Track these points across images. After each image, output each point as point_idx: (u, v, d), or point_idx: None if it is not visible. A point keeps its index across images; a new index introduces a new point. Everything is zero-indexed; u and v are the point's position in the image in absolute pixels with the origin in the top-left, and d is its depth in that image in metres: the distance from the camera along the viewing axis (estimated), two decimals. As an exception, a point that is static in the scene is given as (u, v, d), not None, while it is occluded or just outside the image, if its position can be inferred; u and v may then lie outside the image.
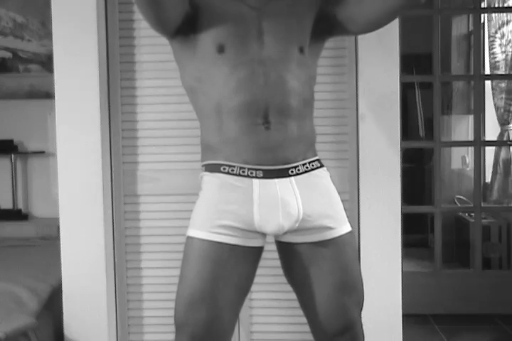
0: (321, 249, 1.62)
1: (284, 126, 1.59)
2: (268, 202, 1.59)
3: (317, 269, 1.63)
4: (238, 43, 1.59)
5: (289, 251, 1.67)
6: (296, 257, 1.65)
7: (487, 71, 4.38)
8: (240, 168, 1.60)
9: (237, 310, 1.66)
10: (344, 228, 1.65)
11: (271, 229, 1.61)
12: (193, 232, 1.63)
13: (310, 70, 1.69)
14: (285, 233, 1.64)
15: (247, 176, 1.60)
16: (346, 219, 1.69)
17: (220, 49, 1.58)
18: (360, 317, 1.68)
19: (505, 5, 4.22)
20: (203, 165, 1.69)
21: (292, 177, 1.62)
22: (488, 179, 4.51)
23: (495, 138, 4.40)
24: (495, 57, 4.29)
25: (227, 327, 1.63)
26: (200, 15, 1.61)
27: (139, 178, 2.47)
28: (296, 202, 1.61)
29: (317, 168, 1.68)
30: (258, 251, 1.65)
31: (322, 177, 1.68)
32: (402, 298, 2.42)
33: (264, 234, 1.63)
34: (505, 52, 4.24)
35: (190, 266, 1.61)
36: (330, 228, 1.63)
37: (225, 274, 1.59)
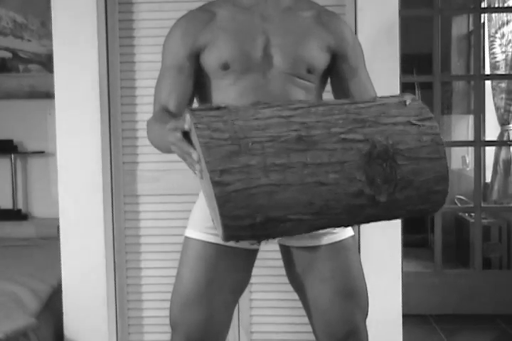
0: (322, 253, 1.61)
1: None
2: None
3: (318, 274, 1.61)
4: (243, 59, 1.57)
5: (289, 255, 1.66)
6: (297, 261, 1.64)
7: (487, 71, 4.38)
8: None
9: (231, 310, 1.66)
10: (345, 232, 1.63)
11: None
12: (189, 232, 1.64)
13: (318, 88, 1.68)
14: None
15: None
16: None
17: (225, 67, 1.57)
18: (365, 323, 1.66)
19: (506, 5, 4.22)
20: None
21: None
22: (488, 179, 4.51)
23: (495, 138, 4.40)
24: (495, 57, 4.29)
25: (222, 327, 1.64)
26: (205, 44, 1.60)
27: (139, 178, 2.47)
28: None
29: None
30: (253, 253, 1.64)
31: None
32: (402, 298, 2.42)
33: None
34: (505, 52, 4.24)
35: (185, 266, 1.62)
36: (330, 233, 1.60)
37: (218, 275, 1.59)
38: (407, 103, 1.33)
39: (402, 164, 1.25)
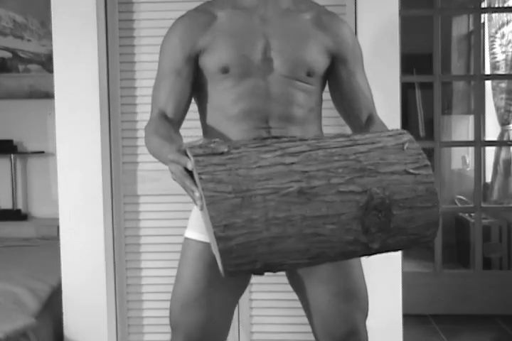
0: None
1: (286, 131, 1.58)
2: None
3: (318, 275, 1.61)
4: (243, 63, 1.57)
5: None
6: None
7: (487, 71, 4.38)
8: None
9: (231, 311, 1.66)
10: None
11: None
12: (189, 233, 1.64)
13: (318, 90, 1.68)
14: None
15: None
16: None
17: (225, 70, 1.57)
18: (365, 324, 1.66)
19: (506, 5, 4.22)
20: None
21: None
22: (488, 179, 4.51)
23: (495, 138, 4.40)
24: (495, 57, 4.29)
25: (222, 328, 1.64)
26: (204, 47, 1.60)
27: (139, 178, 2.47)
28: None
29: None
30: None
31: None
32: (403, 298, 2.42)
33: None
34: (505, 52, 4.24)
35: (185, 267, 1.62)
36: None
37: (218, 276, 1.58)
38: (405, 147, 1.35)
39: (396, 213, 1.29)
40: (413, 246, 1.37)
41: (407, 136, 1.37)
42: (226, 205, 1.22)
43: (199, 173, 1.24)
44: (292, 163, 1.28)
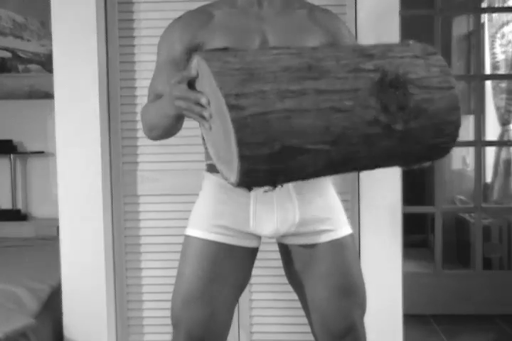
0: (319, 251, 1.61)
1: None
2: (264, 206, 1.59)
3: (316, 271, 1.62)
4: None
5: (288, 253, 1.67)
6: (295, 259, 1.65)
7: (487, 71, 4.38)
8: None
9: (232, 308, 1.66)
10: (343, 230, 1.64)
11: (266, 232, 1.61)
12: (190, 231, 1.64)
13: None
14: (283, 235, 1.63)
15: None
16: (346, 221, 1.67)
17: None
18: (363, 321, 1.66)
19: (506, 5, 4.22)
20: (205, 165, 1.69)
21: None
22: (488, 179, 4.51)
23: (495, 139, 4.40)
24: (495, 57, 4.29)
25: (223, 325, 1.64)
26: (202, 43, 1.61)
27: (139, 178, 2.47)
28: (293, 207, 1.60)
29: None
30: (253, 251, 1.65)
31: (321, 179, 1.67)
32: (403, 299, 2.42)
33: (259, 236, 1.63)
34: (505, 52, 4.24)
35: (186, 264, 1.62)
36: (328, 230, 1.62)
37: (220, 273, 1.60)
38: (410, 43, 1.37)
39: (414, 93, 1.26)
40: (439, 140, 1.30)
41: (411, 41, 1.39)
42: (235, 78, 1.17)
43: (205, 57, 1.20)
44: (300, 53, 1.26)
